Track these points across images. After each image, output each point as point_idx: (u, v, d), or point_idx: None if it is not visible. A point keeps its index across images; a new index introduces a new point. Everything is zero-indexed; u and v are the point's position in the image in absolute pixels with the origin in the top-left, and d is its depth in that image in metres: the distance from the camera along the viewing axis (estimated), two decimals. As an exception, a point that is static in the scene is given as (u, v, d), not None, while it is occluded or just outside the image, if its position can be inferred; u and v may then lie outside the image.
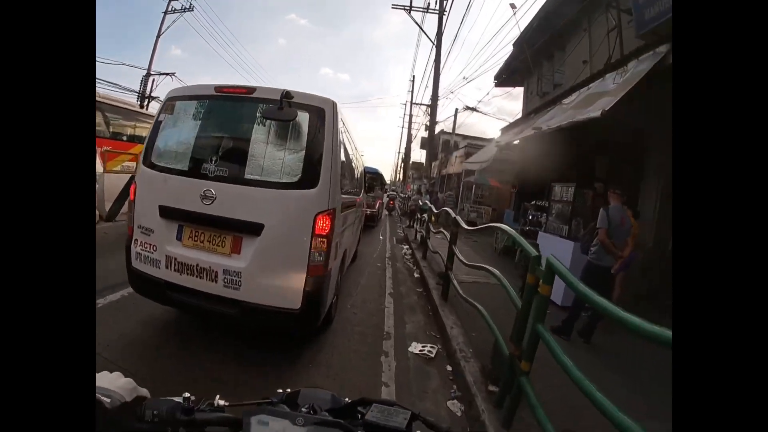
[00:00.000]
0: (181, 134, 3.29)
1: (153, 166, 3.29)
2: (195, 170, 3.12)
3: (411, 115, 37.42)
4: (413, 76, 38.03)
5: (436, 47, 16.81)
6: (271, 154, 3.04)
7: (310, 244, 2.92)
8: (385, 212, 20.22)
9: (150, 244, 3.21)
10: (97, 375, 0.73)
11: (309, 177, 2.95)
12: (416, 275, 7.44)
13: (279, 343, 3.50)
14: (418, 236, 10.87)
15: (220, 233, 3.05)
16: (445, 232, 5.85)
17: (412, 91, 37.00)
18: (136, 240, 3.29)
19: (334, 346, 3.72)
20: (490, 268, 3.71)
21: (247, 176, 3.00)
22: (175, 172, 3.18)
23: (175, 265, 3.10)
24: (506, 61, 15.41)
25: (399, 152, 55.25)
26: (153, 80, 20.59)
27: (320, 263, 2.96)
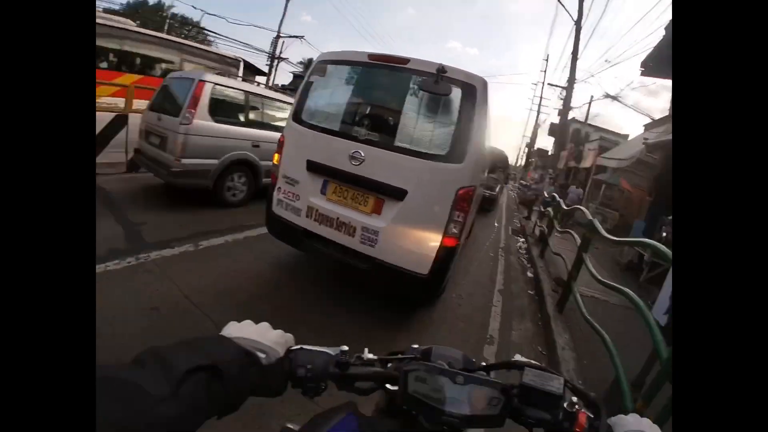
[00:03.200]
0: (333, 96, 3.52)
1: (302, 123, 3.52)
2: (345, 132, 3.32)
3: (542, 98, 35.53)
4: (547, 56, 35.53)
5: (576, 23, 16.06)
6: (421, 126, 3.18)
7: (448, 216, 3.04)
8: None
9: (293, 194, 3.47)
10: (254, 327, 0.73)
11: (456, 152, 3.06)
12: (530, 274, 6.86)
13: (377, 323, 3.57)
14: (537, 230, 9.96)
15: (364, 193, 3.23)
16: (575, 235, 5.26)
17: (546, 72, 35.02)
18: (280, 188, 3.57)
19: (435, 337, 3.70)
20: (632, 294, 2.82)
21: (397, 143, 3.15)
22: (326, 131, 3.39)
23: (315, 215, 3.34)
24: (656, 45, 11.56)
25: (524, 135, 51.65)
26: (282, 42, 21.35)
27: (454, 235, 3.09)
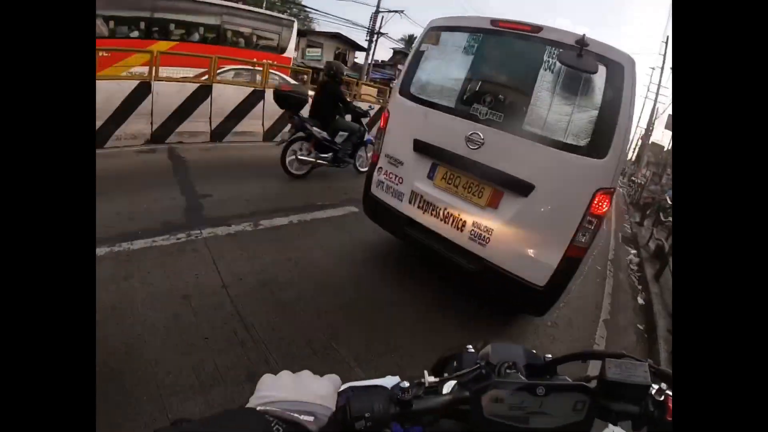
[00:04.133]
0: (448, 68, 3.04)
1: (411, 97, 3.10)
2: (463, 110, 2.85)
3: (660, 85, 31.67)
4: (667, 38, 30.38)
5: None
6: (556, 108, 2.64)
7: (579, 222, 2.54)
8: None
9: (396, 176, 3.11)
10: (292, 379, 0.61)
11: (598, 144, 2.52)
12: (641, 300, 5.52)
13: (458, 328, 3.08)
14: (652, 243, 8.29)
15: (479, 182, 2.79)
16: None
17: (665, 55, 30.16)
18: (381, 168, 3.22)
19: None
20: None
21: (525, 127, 2.65)
22: (439, 107, 2.95)
23: (420, 202, 2.97)
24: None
25: (638, 126, 45.85)
26: (382, 17, 21.37)
27: (582, 246, 2.59)
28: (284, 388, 0.59)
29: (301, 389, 0.59)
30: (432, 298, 3.32)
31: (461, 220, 2.80)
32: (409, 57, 3.27)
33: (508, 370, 0.68)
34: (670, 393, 0.63)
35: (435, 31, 3.14)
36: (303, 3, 30.98)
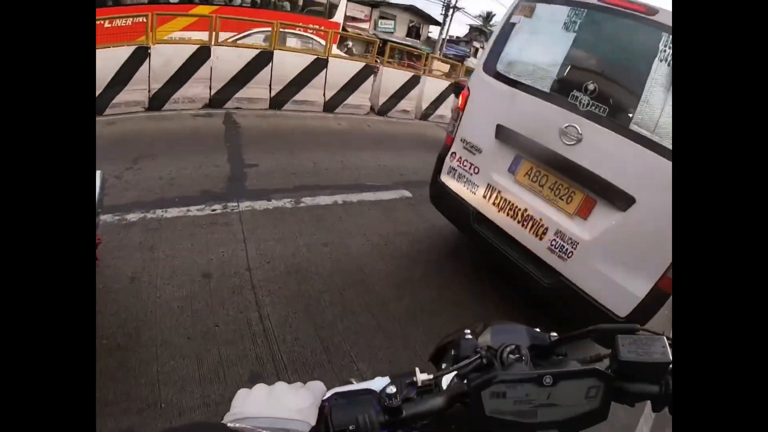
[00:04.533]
0: (544, 45, 2.58)
1: (497, 76, 2.68)
2: (559, 96, 2.41)
3: None
4: None
5: None
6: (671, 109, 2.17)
7: None
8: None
9: (471, 165, 2.74)
10: (267, 393, 0.58)
11: None
12: None
13: None
14: None
15: (570, 185, 2.36)
16: None
17: None
18: (454, 153, 2.86)
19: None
20: None
21: (633, 127, 2.18)
22: (531, 90, 2.52)
23: (496, 198, 2.60)
24: None
25: None
26: None
27: (678, 279, 2.12)
28: (258, 404, 0.57)
29: (275, 405, 0.57)
30: (485, 311, 2.86)
31: (543, 226, 2.39)
32: (497, 29, 2.85)
33: (511, 355, 0.61)
34: None
35: (529, 2, 2.69)
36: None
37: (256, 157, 4.52)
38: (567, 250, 2.30)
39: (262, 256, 2.85)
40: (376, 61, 8.64)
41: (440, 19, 25.45)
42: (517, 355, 0.61)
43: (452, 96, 8.52)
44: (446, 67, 12.18)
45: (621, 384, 0.58)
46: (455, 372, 0.61)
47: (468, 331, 0.68)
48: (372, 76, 7.75)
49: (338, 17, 13.90)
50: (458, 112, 2.86)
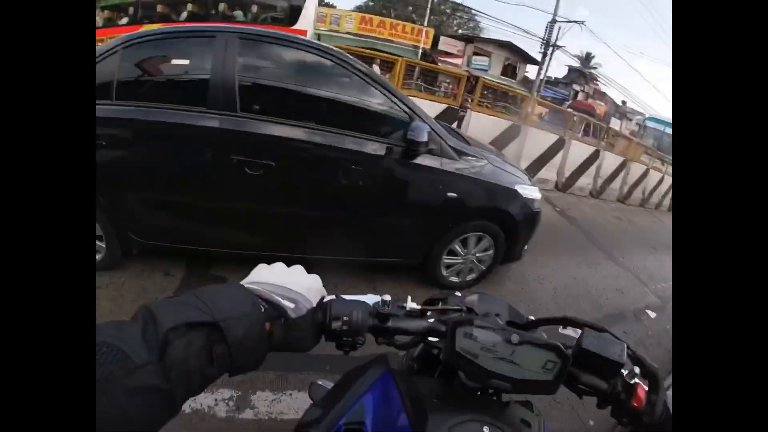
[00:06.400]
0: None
1: None
2: None
3: None
4: None
5: None
6: None
7: None
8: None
9: None
10: (284, 270, 0.64)
11: None
12: None
13: None
14: None
15: None
16: None
17: None
18: None
19: None
20: None
21: None
22: None
23: None
24: None
25: None
26: (559, 27, 20.05)
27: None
28: (275, 276, 0.62)
29: (289, 279, 0.62)
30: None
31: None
32: None
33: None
34: (640, 381, 0.63)
35: None
36: (472, 8, 27.23)
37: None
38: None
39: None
40: (465, 101, 7.60)
41: (538, 57, 23.50)
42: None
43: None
44: (544, 111, 10.45)
45: (575, 370, 0.63)
46: (438, 315, 0.70)
47: (458, 294, 0.78)
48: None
49: (303, 23, 10.82)
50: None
